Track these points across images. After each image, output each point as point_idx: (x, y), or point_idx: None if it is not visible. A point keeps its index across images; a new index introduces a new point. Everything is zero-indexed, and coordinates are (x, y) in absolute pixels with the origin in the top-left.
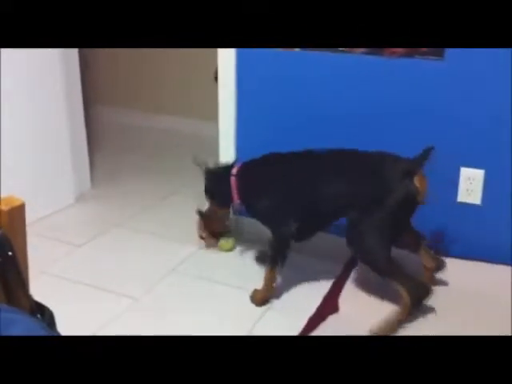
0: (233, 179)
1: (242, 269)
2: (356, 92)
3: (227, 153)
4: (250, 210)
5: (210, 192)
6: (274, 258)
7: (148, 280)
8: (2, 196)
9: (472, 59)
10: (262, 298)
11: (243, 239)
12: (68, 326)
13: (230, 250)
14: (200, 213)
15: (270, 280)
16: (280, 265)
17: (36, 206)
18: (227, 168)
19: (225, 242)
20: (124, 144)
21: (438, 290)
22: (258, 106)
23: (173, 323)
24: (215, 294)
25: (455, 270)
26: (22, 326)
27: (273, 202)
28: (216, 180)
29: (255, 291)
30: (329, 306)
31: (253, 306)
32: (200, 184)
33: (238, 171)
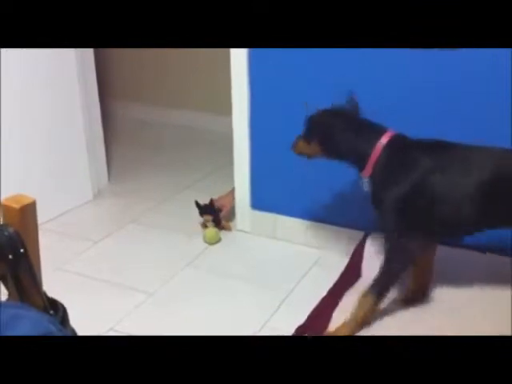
0: (379, 147)
1: (256, 263)
2: (366, 83)
3: (241, 148)
4: (379, 193)
5: (325, 132)
6: (383, 284)
7: (163, 275)
8: (13, 194)
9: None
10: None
11: (258, 233)
12: (85, 321)
13: (216, 241)
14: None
15: (366, 316)
16: (385, 296)
17: (54, 203)
18: (374, 128)
19: (209, 234)
20: (140, 139)
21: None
22: (272, 101)
23: (187, 318)
24: (230, 289)
25: (458, 259)
26: (29, 321)
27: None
28: (350, 130)
29: (342, 327)
30: (352, 272)
31: (266, 300)
32: (213, 178)
33: (389, 142)
